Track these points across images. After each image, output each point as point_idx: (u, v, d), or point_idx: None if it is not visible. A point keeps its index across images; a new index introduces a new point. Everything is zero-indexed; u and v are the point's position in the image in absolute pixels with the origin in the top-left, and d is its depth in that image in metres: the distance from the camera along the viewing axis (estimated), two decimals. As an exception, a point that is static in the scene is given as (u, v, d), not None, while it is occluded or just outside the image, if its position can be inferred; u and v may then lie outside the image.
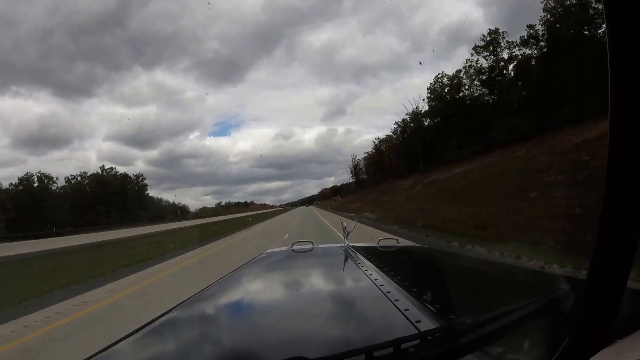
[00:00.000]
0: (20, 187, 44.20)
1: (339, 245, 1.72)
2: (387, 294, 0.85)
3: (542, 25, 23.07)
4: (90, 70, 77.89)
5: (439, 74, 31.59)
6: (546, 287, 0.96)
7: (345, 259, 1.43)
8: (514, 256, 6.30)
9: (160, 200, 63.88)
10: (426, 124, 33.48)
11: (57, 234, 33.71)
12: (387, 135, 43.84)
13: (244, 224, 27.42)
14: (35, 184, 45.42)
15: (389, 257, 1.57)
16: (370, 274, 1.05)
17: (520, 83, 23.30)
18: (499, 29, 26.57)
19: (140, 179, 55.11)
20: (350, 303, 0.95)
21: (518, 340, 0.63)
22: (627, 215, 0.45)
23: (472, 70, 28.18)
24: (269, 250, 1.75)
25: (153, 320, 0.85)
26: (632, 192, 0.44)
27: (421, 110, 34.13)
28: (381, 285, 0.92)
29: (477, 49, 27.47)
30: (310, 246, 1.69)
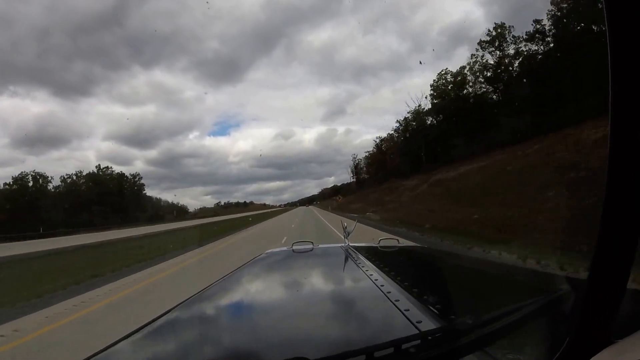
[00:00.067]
0: (15, 187, 44.32)
1: (340, 245, 1.74)
2: (387, 294, 0.86)
3: (549, 20, 22.99)
4: (89, 70, 78.46)
5: (442, 71, 31.66)
6: (546, 287, 0.97)
7: (346, 259, 1.44)
8: (572, 269, 4.83)
9: (159, 200, 64.29)
10: (429, 122, 33.45)
11: (42, 236, 33.23)
12: (388, 134, 43.92)
13: (243, 224, 27.35)
14: (30, 184, 45.57)
15: (389, 257, 1.59)
16: (371, 274, 1.06)
17: (528, 78, 23.03)
18: (505, 23, 26.52)
19: (137, 179, 55.34)
20: (351, 303, 0.97)
21: (519, 341, 0.64)
22: (627, 216, 0.46)
23: (477, 66, 28.14)
24: (269, 250, 1.76)
25: (153, 320, 0.86)
26: (632, 192, 0.45)
27: (424, 108, 34.15)
28: (382, 286, 0.93)
29: (482, 44, 27.43)
30: (310, 246, 1.71)
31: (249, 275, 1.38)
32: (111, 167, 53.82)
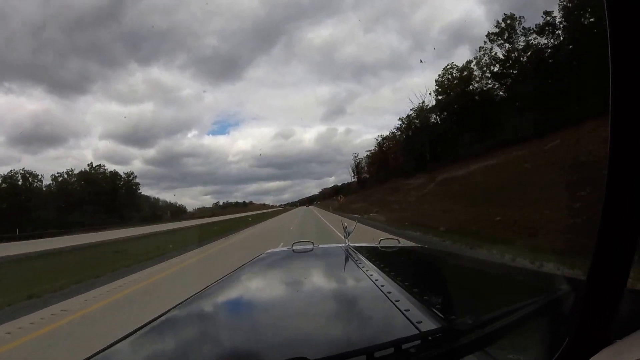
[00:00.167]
0: (4, 186, 44.35)
1: (340, 245, 1.77)
2: (387, 295, 0.88)
3: (560, 12, 22.84)
4: (85, 67, 77.96)
5: (447, 65, 31.51)
6: (546, 287, 0.99)
7: (346, 259, 1.47)
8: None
9: (157, 199, 64.18)
10: (433, 119, 33.34)
11: (20, 238, 31.93)
12: (391, 132, 43.79)
13: (239, 225, 27.28)
14: (20, 182, 45.58)
15: (389, 258, 1.62)
16: (371, 274, 1.09)
17: (539, 73, 22.78)
18: (514, 14, 26.34)
19: (131, 177, 55.22)
20: (351, 303, 0.99)
21: (518, 341, 0.66)
22: (627, 216, 0.47)
23: (485, 59, 27.98)
24: (269, 250, 1.78)
25: (153, 320, 0.88)
26: (632, 192, 0.47)
27: (427, 105, 34.03)
28: (382, 286, 0.96)
29: (490, 37, 27.29)
30: (310, 246, 1.73)
31: (249, 275, 1.41)
32: (104, 166, 53.53)
